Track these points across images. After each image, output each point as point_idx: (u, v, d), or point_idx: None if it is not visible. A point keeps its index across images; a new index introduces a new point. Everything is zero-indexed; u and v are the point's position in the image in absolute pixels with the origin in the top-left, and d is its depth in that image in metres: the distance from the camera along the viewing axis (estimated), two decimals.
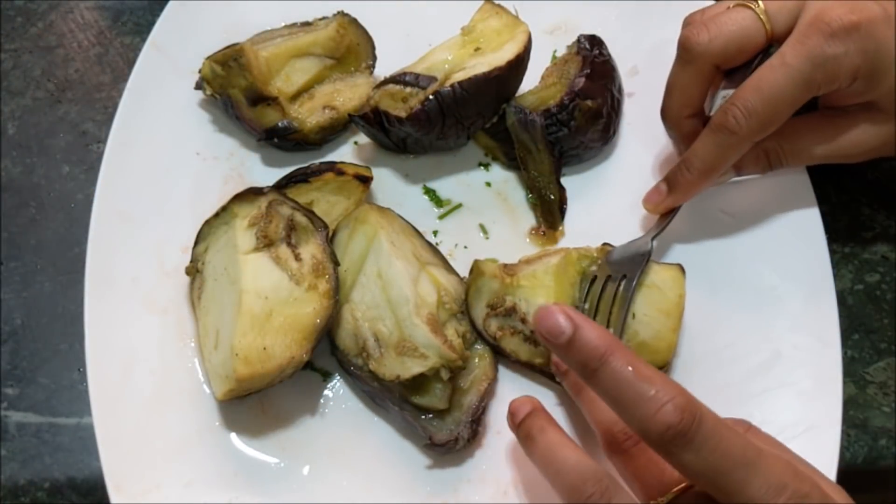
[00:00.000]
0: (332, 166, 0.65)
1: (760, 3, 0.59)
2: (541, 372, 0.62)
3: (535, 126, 0.67)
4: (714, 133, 0.60)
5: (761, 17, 0.59)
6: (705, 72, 0.61)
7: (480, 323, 0.61)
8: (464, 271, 0.64)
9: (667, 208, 0.66)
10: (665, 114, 0.67)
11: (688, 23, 0.63)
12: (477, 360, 0.60)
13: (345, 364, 0.59)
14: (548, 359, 0.60)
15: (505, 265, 0.63)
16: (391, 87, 0.67)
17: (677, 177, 0.64)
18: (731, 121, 0.58)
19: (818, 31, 0.56)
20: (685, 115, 0.65)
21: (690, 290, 0.61)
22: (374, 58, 0.75)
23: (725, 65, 0.61)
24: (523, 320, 0.60)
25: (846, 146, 0.63)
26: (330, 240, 0.61)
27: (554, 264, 0.61)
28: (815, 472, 0.47)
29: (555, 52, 0.77)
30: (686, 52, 0.61)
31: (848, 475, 0.59)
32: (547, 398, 0.61)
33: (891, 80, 0.58)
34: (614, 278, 0.60)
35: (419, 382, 0.57)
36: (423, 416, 0.57)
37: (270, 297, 0.56)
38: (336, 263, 0.59)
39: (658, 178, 0.71)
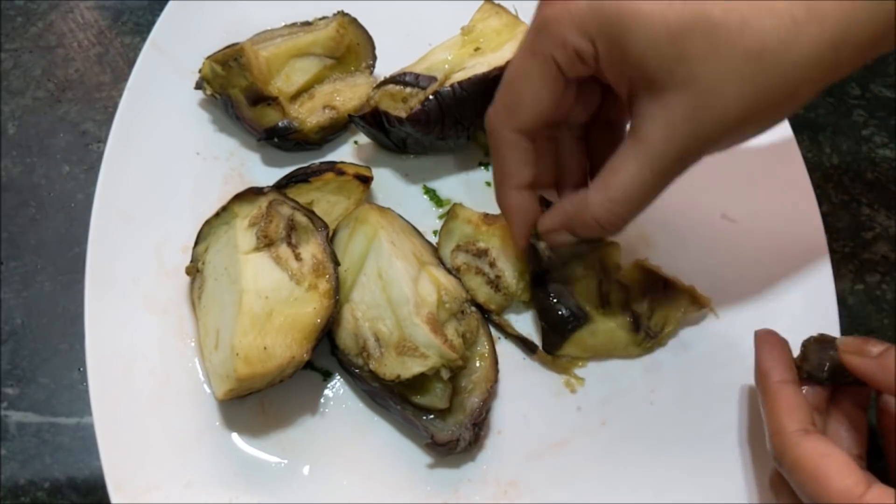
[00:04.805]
0: (332, 166, 0.65)
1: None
2: (495, 325, 0.63)
3: None
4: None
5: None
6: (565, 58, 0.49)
7: (447, 255, 0.64)
8: None
9: None
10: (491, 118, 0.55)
11: None
12: (478, 362, 0.60)
13: (345, 364, 0.59)
14: (500, 307, 0.63)
15: (486, 215, 0.65)
16: (391, 87, 0.67)
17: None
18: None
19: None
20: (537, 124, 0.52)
21: None
22: (374, 58, 0.75)
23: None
24: (491, 264, 0.63)
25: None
26: (330, 240, 0.61)
27: None
28: None
29: None
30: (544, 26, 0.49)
31: None
32: (548, 398, 0.61)
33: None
34: None
35: (420, 382, 0.57)
36: (425, 417, 0.57)
37: (271, 297, 0.56)
38: (336, 263, 0.59)
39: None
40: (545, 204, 0.59)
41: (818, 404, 0.54)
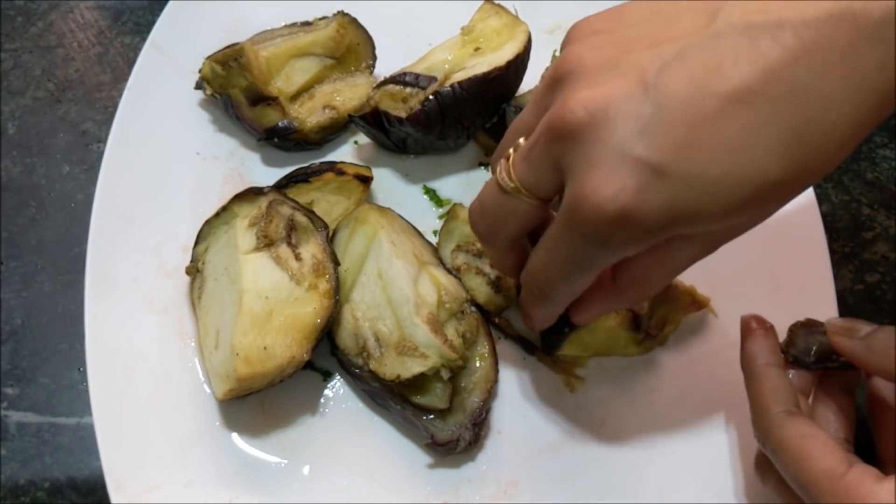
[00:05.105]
0: (332, 166, 0.65)
1: (514, 180, 0.46)
2: (495, 325, 0.63)
3: None
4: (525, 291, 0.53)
5: (525, 199, 0.46)
6: (508, 248, 0.52)
7: (448, 255, 0.64)
8: None
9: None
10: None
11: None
12: (478, 362, 0.60)
13: (345, 364, 0.59)
14: (500, 307, 0.62)
15: None
16: (391, 87, 0.67)
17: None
18: (531, 291, 0.51)
19: (578, 230, 0.42)
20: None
21: None
22: (374, 58, 0.75)
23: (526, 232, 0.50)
24: (491, 265, 0.62)
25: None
26: (330, 240, 0.61)
27: None
28: None
29: (555, 52, 0.76)
30: (479, 240, 0.54)
31: None
32: (548, 398, 0.61)
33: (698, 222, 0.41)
34: None
35: (420, 382, 0.57)
36: (425, 417, 0.57)
37: (271, 297, 0.56)
38: (336, 263, 0.59)
39: None
40: None
41: (804, 388, 0.54)
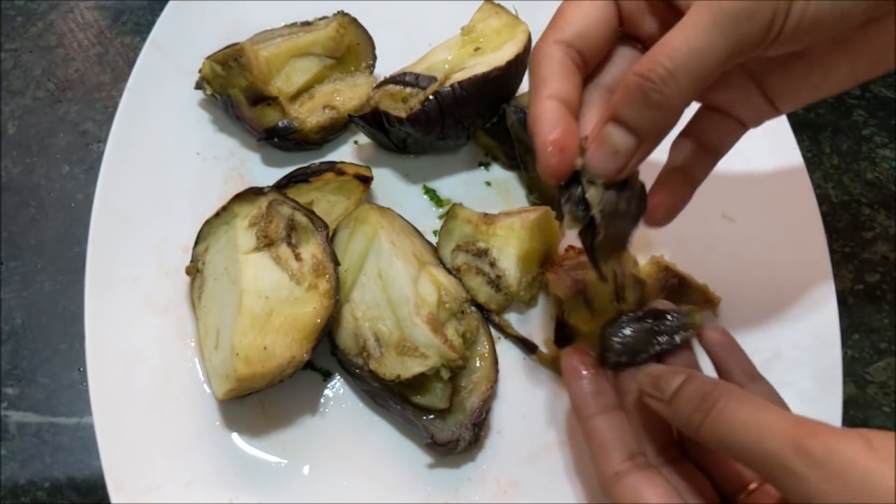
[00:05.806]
0: (332, 166, 0.65)
1: None
2: (495, 325, 0.63)
3: None
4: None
5: None
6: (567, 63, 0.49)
7: (448, 255, 0.65)
8: None
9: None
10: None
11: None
12: (478, 362, 0.60)
13: (345, 364, 0.59)
14: (500, 307, 0.63)
15: (485, 214, 0.65)
16: (391, 87, 0.67)
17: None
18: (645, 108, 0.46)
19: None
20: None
21: None
22: (374, 58, 0.75)
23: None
24: (492, 264, 0.63)
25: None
26: (330, 240, 0.61)
27: (531, 219, 0.63)
28: None
29: None
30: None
31: None
32: (548, 398, 0.61)
33: None
34: None
35: (420, 382, 0.57)
36: (425, 417, 0.57)
37: (271, 297, 0.56)
38: (336, 263, 0.59)
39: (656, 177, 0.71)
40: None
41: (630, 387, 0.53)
